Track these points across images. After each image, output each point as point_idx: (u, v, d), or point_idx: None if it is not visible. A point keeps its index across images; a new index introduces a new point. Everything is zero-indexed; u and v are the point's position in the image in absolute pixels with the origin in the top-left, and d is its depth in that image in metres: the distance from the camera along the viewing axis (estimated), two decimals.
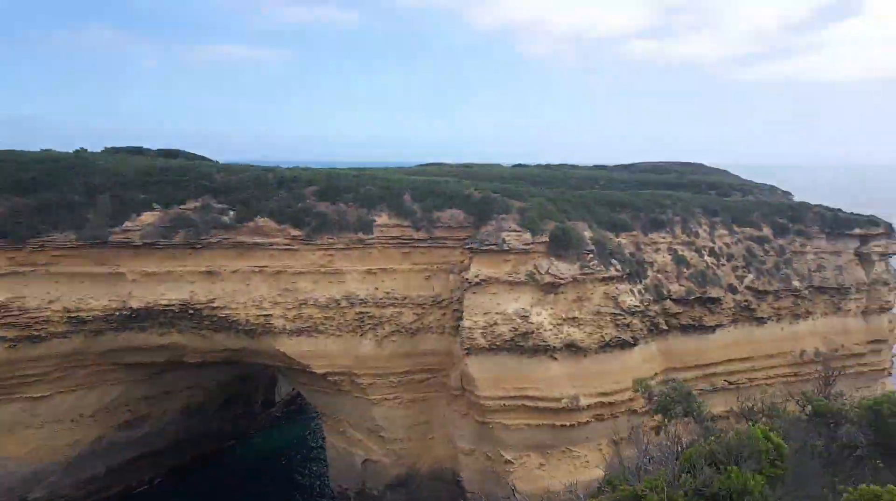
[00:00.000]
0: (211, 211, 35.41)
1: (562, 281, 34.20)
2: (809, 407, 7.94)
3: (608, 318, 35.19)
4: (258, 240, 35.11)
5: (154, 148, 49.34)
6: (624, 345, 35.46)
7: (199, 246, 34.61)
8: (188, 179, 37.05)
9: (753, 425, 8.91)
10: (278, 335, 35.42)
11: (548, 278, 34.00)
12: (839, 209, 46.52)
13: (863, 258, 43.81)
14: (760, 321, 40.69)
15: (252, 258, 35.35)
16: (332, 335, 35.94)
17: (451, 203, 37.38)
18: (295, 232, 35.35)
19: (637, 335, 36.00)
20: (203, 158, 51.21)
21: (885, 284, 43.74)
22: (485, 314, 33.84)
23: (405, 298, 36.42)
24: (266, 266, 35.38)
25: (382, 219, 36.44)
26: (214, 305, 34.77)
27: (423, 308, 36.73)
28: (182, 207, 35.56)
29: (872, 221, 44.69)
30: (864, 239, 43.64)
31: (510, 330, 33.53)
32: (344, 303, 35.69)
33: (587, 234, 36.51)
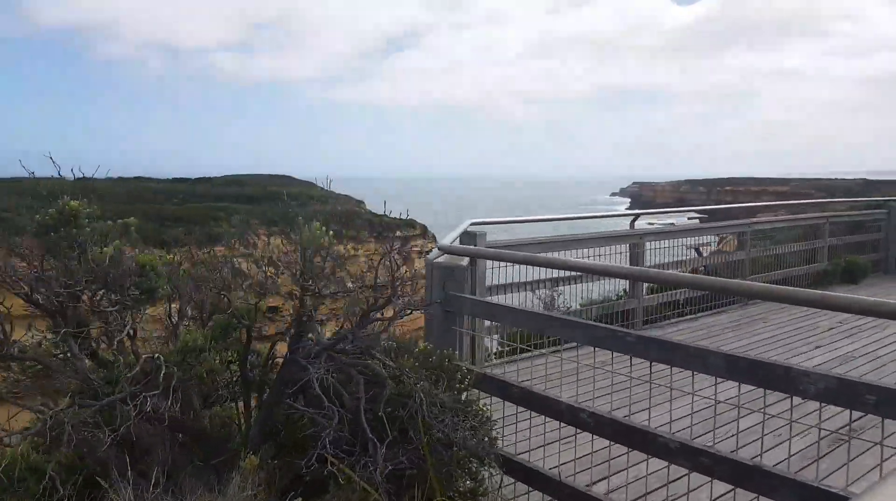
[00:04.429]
0: None
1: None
2: None
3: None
4: None
5: None
6: None
7: None
8: None
9: None
10: None
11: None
12: (385, 215, 52.24)
13: (405, 257, 49.92)
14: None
15: None
16: None
17: None
18: None
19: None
20: None
21: (423, 277, 50.66)
22: None
23: None
24: None
25: None
26: None
27: None
28: None
29: (410, 223, 51.31)
30: (404, 240, 49.74)
31: None
32: None
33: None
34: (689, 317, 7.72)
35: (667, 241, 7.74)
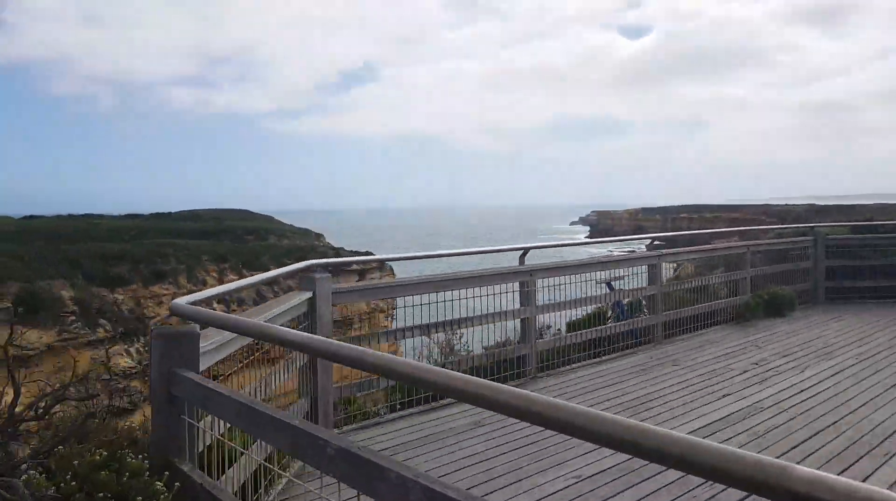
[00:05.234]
0: None
1: (33, 352, 29.04)
2: None
3: (99, 386, 31.33)
4: None
5: None
6: (122, 413, 32.01)
7: None
8: None
9: None
10: None
11: (12, 351, 28.41)
12: (342, 248, 51.14)
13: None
14: (274, 361, 41.61)
15: None
16: None
17: None
18: None
19: (137, 400, 32.89)
20: None
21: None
22: None
23: None
24: None
25: None
26: None
27: None
28: None
29: (369, 256, 50.32)
30: (361, 273, 48.81)
31: None
32: None
33: (67, 294, 31.96)
34: (593, 361, 6.97)
35: (567, 277, 7.01)
